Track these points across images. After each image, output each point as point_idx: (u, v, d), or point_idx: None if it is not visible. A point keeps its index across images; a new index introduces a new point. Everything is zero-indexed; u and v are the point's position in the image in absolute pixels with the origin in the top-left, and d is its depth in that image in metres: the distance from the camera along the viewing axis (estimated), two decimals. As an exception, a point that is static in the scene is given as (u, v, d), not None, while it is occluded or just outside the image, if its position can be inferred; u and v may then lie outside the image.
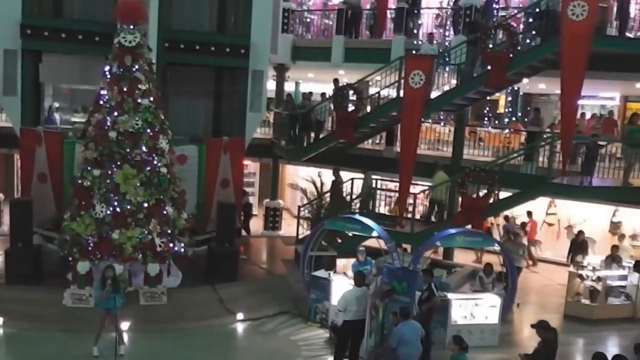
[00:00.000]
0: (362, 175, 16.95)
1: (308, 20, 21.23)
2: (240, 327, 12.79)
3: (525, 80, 17.15)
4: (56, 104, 18.59)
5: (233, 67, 17.33)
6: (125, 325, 11.14)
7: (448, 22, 18.42)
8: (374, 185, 16.72)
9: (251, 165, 21.91)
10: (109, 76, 13.01)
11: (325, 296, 12.80)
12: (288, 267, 15.85)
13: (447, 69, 15.95)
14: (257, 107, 17.60)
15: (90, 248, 12.54)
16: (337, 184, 17.34)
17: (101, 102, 13.05)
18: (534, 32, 14.65)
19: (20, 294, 12.65)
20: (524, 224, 17.67)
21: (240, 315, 12.97)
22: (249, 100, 17.39)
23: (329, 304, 12.62)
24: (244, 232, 18.44)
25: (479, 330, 12.16)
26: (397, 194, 16.53)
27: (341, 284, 12.21)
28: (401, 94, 15.16)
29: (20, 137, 15.70)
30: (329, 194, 17.00)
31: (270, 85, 19.67)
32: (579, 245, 15.82)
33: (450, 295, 12.27)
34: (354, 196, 17.03)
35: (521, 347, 11.29)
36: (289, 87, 22.03)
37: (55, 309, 12.13)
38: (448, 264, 15.29)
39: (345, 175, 17.56)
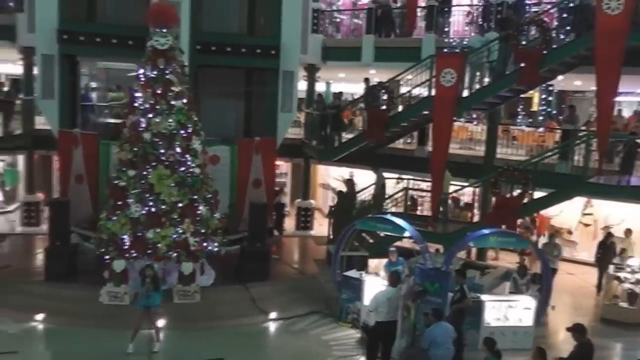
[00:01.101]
0: (393, 176, 16.87)
1: (338, 20, 21.23)
2: (271, 326, 12.88)
3: (559, 77, 16.85)
4: (93, 84, 18.97)
5: (264, 68, 17.45)
6: (159, 323, 11.32)
7: (480, 19, 18.17)
8: (402, 185, 16.61)
9: (283, 166, 21.99)
10: (142, 79, 13.23)
11: (356, 296, 12.80)
12: (319, 267, 15.88)
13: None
14: (288, 108, 17.70)
15: (125, 247, 12.80)
16: (345, 195, 17.33)
17: (135, 104, 13.28)
18: (567, 28, 14.36)
19: (58, 291, 12.98)
20: (533, 219, 17.32)
21: (271, 315, 13.07)
22: (280, 100, 17.51)
23: (360, 305, 12.61)
24: (276, 232, 18.55)
25: (512, 333, 11.98)
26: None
27: (373, 285, 12.19)
28: (432, 93, 15.04)
29: (58, 139, 16.08)
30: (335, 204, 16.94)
31: (301, 85, 19.72)
32: (607, 247, 15.44)
33: (483, 297, 12.13)
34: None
35: (556, 351, 11.07)
36: (319, 87, 22.04)
37: (92, 306, 12.40)
38: (481, 264, 15.11)
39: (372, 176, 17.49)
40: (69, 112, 16.69)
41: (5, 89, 17.78)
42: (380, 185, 16.73)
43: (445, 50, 16.58)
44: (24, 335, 11.78)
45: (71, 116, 16.81)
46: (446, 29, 18.18)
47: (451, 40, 17.49)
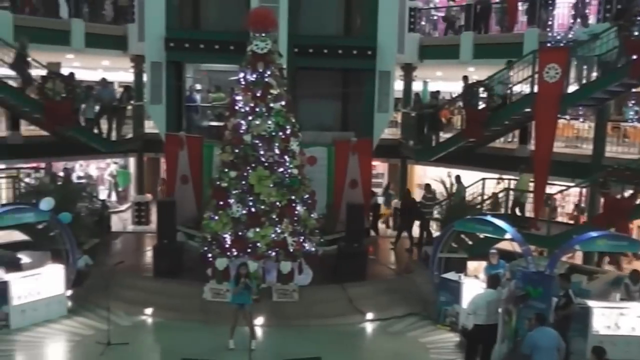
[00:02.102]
0: (494, 175, 16.42)
1: (435, 17, 20.89)
2: (368, 327, 12.88)
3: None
4: (197, 86, 19.73)
5: (360, 69, 17.48)
6: (258, 320, 11.62)
7: (586, 10, 17.22)
8: (502, 186, 16.10)
9: (379, 166, 21.92)
10: (243, 82, 13.65)
11: (455, 299, 12.55)
12: (416, 268, 15.70)
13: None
14: (384, 108, 17.62)
15: (227, 245, 13.25)
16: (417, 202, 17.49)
17: (236, 107, 13.72)
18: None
19: (165, 287, 13.66)
20: None
21: (368, 315, 13.07)
22: (376, 101, 17.45)
23: (459, 307, 12.35)
24: (372, 233, 18.53)
25: (625, 343, 11.24)
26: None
27: (472, 287, 11.90)
28: (535, 89, 14.45)
29: (164, 142, 16.93)
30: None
31: (398, 85, 19.58)
32: None
33: (590, 303, 11.50)
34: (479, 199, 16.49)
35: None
36: (416, 86, 21.82)
37: (196, 302, 12.94)
38: (589, 269, 14.34)
39: (475, 175, 17.06)
40: (175, 116, 17.55)
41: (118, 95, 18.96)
42: (460, 191, 16.52)
43: (549, 44, 15.89)
44: (135, 328, 12.51)
45: (177, 120, 17.67)
46: (550, 22, 17.41)
47: (555, 34, 16.72)
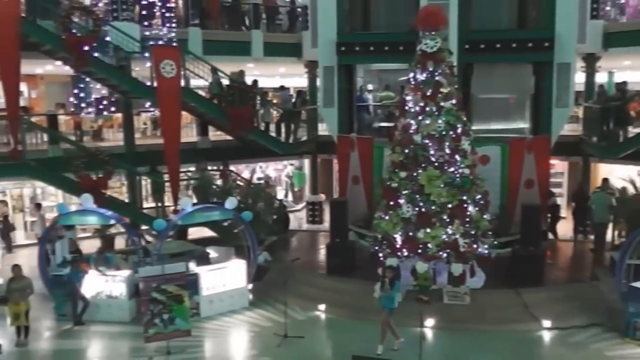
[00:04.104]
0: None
1: (622, 1, 19.12)
2: (545, 336, 12.18)
3: None
4: (369, 86, 20.11)
5: (536, 62, 16.62)
6: (428, 322, 11.52)
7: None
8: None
9: (558, 165, 20.65)
10: (412, 82, 13.64)
11: (647, 310, 11.41)
12: (601, 275, 14.50)
13: None
14: (563, 102, 16.58)
15: (397, 246, 13.33)
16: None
17: (406, 107, 13.75)
18: None
19: (337, 285, 14.10)
20: None
21: (546, 323, 12.36)
22: (554, 95, 16.52)
23: (652, 320, 11.22)
24: (550, 235, 17.49)
25: None
26: None
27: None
28: None
29: (337, 144, 17.48)
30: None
31: (579, 77, 18.26)
32: None
33: None
34: None
35: None
36: (600, 77, 20.18)
37: (367, 301, 13.12)
38: None
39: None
40: (346, 118, 18.06)
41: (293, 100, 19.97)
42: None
43: None
44: (309, 322, 13.07)
45: (348, 122, 18.17)
46: None
47: None
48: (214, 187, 17.01)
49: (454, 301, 12.92)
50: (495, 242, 13.89)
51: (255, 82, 18.55)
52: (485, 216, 13.67)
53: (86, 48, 14.69)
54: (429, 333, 12.00)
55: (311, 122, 20.44)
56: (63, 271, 13.65)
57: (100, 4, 17.45)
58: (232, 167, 19.51)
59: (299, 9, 20.78)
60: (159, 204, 16.95)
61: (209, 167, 17.95)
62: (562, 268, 15.32)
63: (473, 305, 12.82)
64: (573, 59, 16.68)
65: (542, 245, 14.59)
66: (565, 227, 18.74)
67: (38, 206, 18.02)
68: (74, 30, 14.64)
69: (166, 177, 16.48)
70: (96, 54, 15.41)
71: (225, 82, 17.21)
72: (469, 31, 16.29)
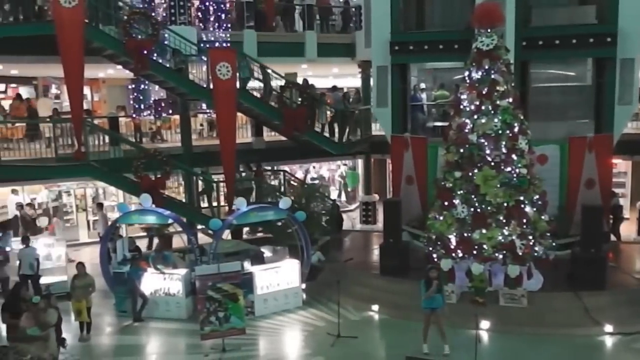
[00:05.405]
0: None
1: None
2: (607, 341, 11.78)
3: None
4: (422, 85, 19.84)
5: (598, 58, 16.08)
6: (483, 324, 11.32)
7: None
8: None
9: (621, 164, 19.91)
10: (468, 81, 13.43)
11: None
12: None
13: None
14: (627, 100, 15.96)
15: (452, 246, 13.15)
16: None
17: (461, 106, 13.54)
18: None
19: (390, 285, 14.03)
20: None
21: (608, 327, 11.94)
22: (617, 92, 15.92)
23: None
24: (613, 237, 16.87)
25: None
26: None
27: None
28: None
29: (390, 144, 17.39)
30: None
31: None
32: None
33: None
34: None
35: None
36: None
37: (419, 301, 12.98)
38: None
39: None
40: (400, 118, 17.92)
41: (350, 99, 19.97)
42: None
43: None
44: (362, 323, 13.07)
45: (402, 121, 18.02)
46: None
47: None
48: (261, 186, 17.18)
49: (511, 303, 12.64)
50: (554, 244, 13.51)
51: (306, 81, 18.65)
52: (543, 217, 13.32)
53: (146, 52, 15.14)
54: (484, 335, 11.79)
55: (365, 122, 20.39)
56: (123, 269, 14.12)
57: (160, 10, 17.94)
58: (286, 167, 19.70)
59: (352, 9, 20.79)
60: (212, 204, 17.24)
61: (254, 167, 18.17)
62: (626, 271, 14.74)
63: (530, 308, 12.52)
64: (638, 55, 16.05)
65: (603, 248, 14.09)
66: (628, 229, 18.09)
67: (100, 206, 18.66)
68: (134, 35, 15.10)
69: (222, 177, 16.74)
70: (155, 58, 15.86)
71: (277, 82, 17.38)
72: (527, 27, 15.90)
